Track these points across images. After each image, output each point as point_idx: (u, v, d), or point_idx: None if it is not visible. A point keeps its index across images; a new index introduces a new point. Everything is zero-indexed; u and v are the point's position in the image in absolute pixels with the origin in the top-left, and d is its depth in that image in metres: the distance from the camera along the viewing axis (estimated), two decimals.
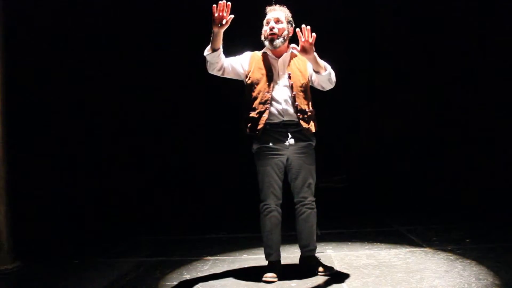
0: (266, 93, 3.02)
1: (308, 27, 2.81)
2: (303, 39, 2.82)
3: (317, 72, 2.99)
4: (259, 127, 3.01)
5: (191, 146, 6.66)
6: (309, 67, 3.09)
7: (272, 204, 3.08)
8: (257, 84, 3.05)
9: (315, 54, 2.89)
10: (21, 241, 3.79)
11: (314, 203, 3.16)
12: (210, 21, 2.82)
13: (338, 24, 6.18)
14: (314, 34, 2.81)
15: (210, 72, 3.07)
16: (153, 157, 6.58)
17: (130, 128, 6.49)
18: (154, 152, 6.59)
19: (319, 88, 3.13)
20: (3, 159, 3.53)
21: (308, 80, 3.11)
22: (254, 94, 3.05)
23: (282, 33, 3.04)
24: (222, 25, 2.80)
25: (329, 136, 6.02)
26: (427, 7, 6.24)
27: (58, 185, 5.56)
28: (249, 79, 3.09)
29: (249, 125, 3.06)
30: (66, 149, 5.81)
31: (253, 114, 3.04)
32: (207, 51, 2.93)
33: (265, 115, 3.01)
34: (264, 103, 3.02)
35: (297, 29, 2.84)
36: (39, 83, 5.49)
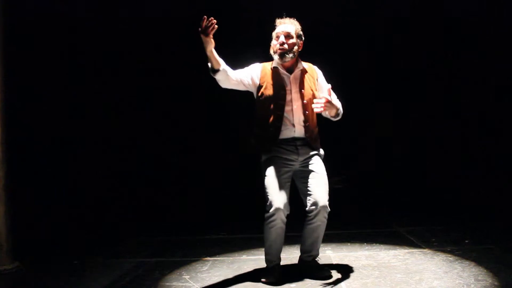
0: (279, 112, 2.97)
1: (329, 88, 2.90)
2: (322, 105, 2.84)
3: (333, 116, 3.04)
4: (271, 146, 2.98)
5: (191, 146, 6.66)
6: (319, 88, 3.11)
7: (281, 214, 2.89)
8: (270, 101, 2.98)
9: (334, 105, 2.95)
10: (21, 242, 3.79)
11: (327, 214, 3.00)
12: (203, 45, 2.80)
13: (340, 24, 6.18)
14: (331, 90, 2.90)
15: (223, 87, 3.03)
16: (153, 157, 6.59)
17: (130, 128, 6.49)
18: (154, 152, 6.60)
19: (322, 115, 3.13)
20: (2, 159, 3.53)
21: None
22: (267, 112, 2.99)
23: (292, 48, 2.99)
24: (207, 35, 2.73)
25: (329, 136, 6.01)
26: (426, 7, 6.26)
27: (58, 185, 5.56)
28: (261, 95, 3.01)
29: (260, 143, 3.03)
30: (66, 149, 5.81)
31: (265, 132, 2.99)
32: (211, 72, 2.91)
33: (277, 135, 2.97)
34: (277, 122, 2.97)
35: (315, 100, 2.87)
36: (39, 83, 5.49)
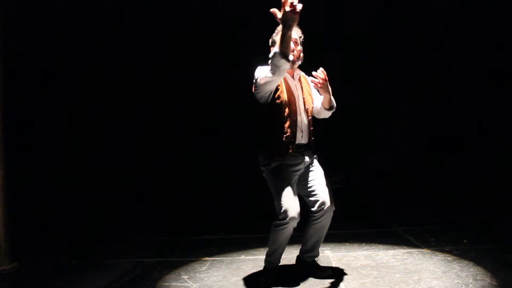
0: (294, 118, 2.94)
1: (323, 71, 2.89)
2: (320, 81, 2.88)
3: (328, 108, 3.05)
4: (284, 152, 2.93)
5: (190, 146, 6.67)
6: (314, 95, 3.13)
7: (295, 222, 2.88)
8: (286, 106, 2.92)
9: (330, 90, 2.95)
10: (19, 242, 3.79)
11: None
12: (277, 23, 2.52)
13: (336, 25, 6.20)
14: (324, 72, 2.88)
15: (277, 78, 2.72)
16: (151, 157, 6.59)
17: (130, 129, 6.50)
18: (153, 152, 6.60)
19: (317, 116, 3.17)
20: (1, 159, 3.52)
21: None
22: (282, 117, 2.92)
23: (300, 55, 2.99)
24: (296, 12, 2.42)
25: (327, 136, 6.02)
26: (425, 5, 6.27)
27: (57, 185, 5.56)
28: (278, 98, 2.92)
29: (272, 147, 2.95)
30: (65, 149, 5.81)
31: (280, 138, 2.93)
32: (285, 59, 2.56)
33: (292, 140, 2.94)
34: (293, 128, 2.94)
35: (314, 73, 2.87)
36: (39, 83, 5.49)
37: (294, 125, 2.95)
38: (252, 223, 4.81)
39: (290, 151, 2.93)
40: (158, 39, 6.47)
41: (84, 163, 6.05)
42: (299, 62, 3.01)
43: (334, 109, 3.11)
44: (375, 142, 6.72)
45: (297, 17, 2.45)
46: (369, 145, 6.69)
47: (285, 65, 2.61)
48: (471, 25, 6.24)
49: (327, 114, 3.15)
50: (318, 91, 3.05)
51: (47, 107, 5.62)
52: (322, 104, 3.07)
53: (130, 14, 6.17)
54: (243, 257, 3.76)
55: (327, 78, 2.90)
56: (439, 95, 6.55)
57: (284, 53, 2.55)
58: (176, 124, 6.64)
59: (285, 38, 2.51)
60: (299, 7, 2.42)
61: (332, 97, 3.04)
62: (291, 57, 2.64)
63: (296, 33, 2.98)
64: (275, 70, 2.64)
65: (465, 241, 3.91)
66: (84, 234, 4.84)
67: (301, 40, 3.03)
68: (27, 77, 5.25)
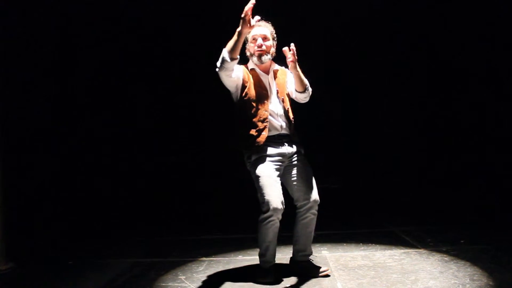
0: (264, 111, 3.02)
1: (293, 47, 2.87)
2: (290, 58, 2.88)
3: (301, 91, 3.05)
4: (259, 144, 2.98)
5: (189, 146, 6.67)
6: (288, 81, 3.15)
7: (279, 213, 2.90)
8: (254, 101, 3.02)
9: (299, 70, 2.95)
10: (15, 242, 3.77)
11: (318, 207, 3.08)
12: (239, 24, 2.74)
13: (333, 20, 6.17)
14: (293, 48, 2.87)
15: (221, 73, 2.91)
16: (149, 157, 6.58)
17: (128, 128, 6.48)
18: (151, 152, 6.59)
19: (296, 100, 3.18)
20: None
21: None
22: (252, 111, 3.02)
23: (270, 50, 3.06)
24: (250, 26, 2.75)
25: (325, 136, 6.04)
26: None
27: (54, 185, 5.54)
28: (245, 95, 3.04)
29: (247, 142, 3.02)
30: (63, 149, 5.79)
31: (252, 132, 3.00)
32: (228, 57, 2.82)
33: (264, 133, 2.99)
34: (263, 121, 3.01)
35: (284, 49, 2.88)
36: (38, 83, 5.47)
37: (265, 119, 3.00)
38: (250, 223, 4.80)
39: (262, 143, 2.97)
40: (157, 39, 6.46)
41: (83, 163, 6.02)
42: (269, 57, 3.06)
43: (308, 92, 3.10)
44: (372, 142, 6.71)
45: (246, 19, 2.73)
46: (368, 144, 6.69)
47: (230, 66, 2.84)
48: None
49: (302, 97, 3.12)
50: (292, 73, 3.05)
51: (46, 106, 5.59)
52: (295, 87, 3.08)
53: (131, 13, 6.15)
54: (240, 257, 3.76)
55: (295, 53, 2.87)
56: (439, 93, 6.53)
57: (231, 55, 2.80)
58: (176, 124, 6.63)
59: (236, 40, 2.78)
60: (253, 21, 2.74)
61: (303, 78, 3.03)
62: (237, 57, 2.84)
63: (267, 28, 3.06)
64: (223, 67, 2.86)
65: (462, 241, 3.92)
66: (80, 234, 4.82)
67: (273, 35, 3.09)
68: (26, 75, 5.23)
